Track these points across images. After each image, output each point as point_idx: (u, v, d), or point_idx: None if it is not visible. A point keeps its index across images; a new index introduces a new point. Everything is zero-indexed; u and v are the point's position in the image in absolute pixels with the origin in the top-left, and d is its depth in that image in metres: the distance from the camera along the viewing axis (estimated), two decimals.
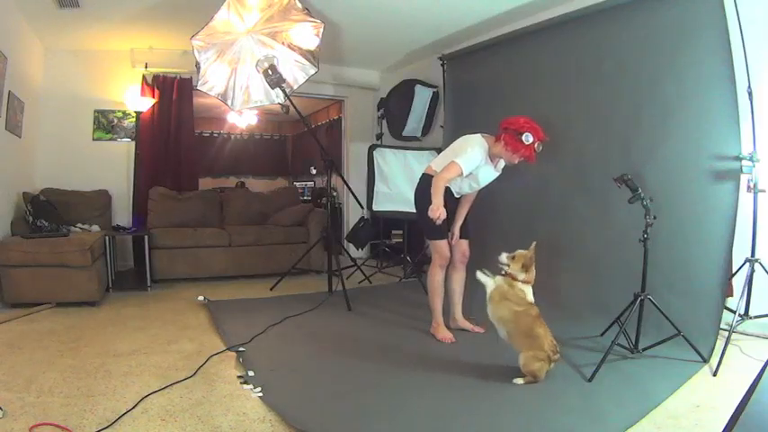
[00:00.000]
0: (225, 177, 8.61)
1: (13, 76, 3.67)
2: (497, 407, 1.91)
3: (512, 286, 2.24)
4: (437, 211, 2.45)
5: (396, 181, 4.35)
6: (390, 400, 1.95)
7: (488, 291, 2.30)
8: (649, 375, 2.18)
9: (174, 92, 5.00)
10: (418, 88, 5.04)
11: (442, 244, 2.77)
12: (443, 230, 2.76)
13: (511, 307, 2.20)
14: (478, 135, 2.64)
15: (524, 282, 2.24)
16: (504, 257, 2.30)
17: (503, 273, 2.30)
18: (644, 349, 2.38)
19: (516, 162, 2.58)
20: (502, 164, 2.72)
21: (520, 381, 2.11)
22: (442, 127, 4.74)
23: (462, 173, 2.54)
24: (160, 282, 4.19)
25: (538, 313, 2.19)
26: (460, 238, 2.89)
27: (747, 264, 2.53)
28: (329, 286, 3.88)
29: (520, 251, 2.28)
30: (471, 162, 2.55)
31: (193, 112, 5.21)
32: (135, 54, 4.76)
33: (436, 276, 2.79)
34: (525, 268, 2.24)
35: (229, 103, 3.65)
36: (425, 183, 2.70)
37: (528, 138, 2.45)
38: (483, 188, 2.81)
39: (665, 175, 2.79)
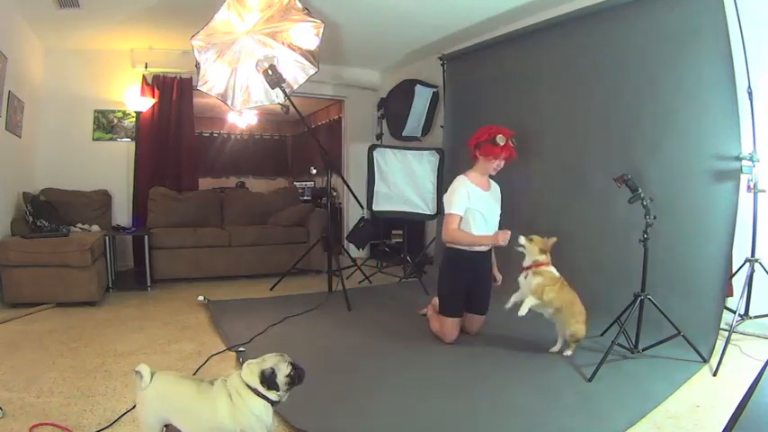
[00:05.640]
0: (225, 177, 8.62)
1: (13, 76, 3.67)
2: (497, 407, 1.91)
3: (541, 274, 2.43)
4: (504, 234, 2.48)
5: (396, 181, 4.34)
6: (390, 401, 1.95)
7: (533, 285, 2.43)
8: (649, 375, 2.17)
9: (174, 92, 4.99)
10: (418, 88, 5.04)
11: (451, 322, 2.66)
12: (457, 307, 2.68)
13: (553, 289, 2.41)
14: (459, 177, 2.73)
15: (546, 263, 2.47)
16: (522, 240, 2.51)
17: (527, 265, 2.49)
18: (644, 349, 2.37)
19: (502, 164, 2.69)
20: (495, 187, 2.79)
21: (569, 352, 2.41)
22: (442, 127, 4.74)
23: (461, 215, 2.63)
24: (160, 282, 4.19)
25: (564, 282, 2.45)
26: (475, 312, 2.76)
27: (747, 264, 2.53)
28: (329, 286, 3.88)
29: (535, 236, 2.50)
30: (460, 201, 2.63)
31: (193, 112, 5.21)
32: (135, 54, 4.76)
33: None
34: (543, 252, 2.47)
35: (229, 103, 3.65)
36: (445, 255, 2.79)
37: (501, 139, 2.59)
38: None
39: (665, 175, 2.80)
